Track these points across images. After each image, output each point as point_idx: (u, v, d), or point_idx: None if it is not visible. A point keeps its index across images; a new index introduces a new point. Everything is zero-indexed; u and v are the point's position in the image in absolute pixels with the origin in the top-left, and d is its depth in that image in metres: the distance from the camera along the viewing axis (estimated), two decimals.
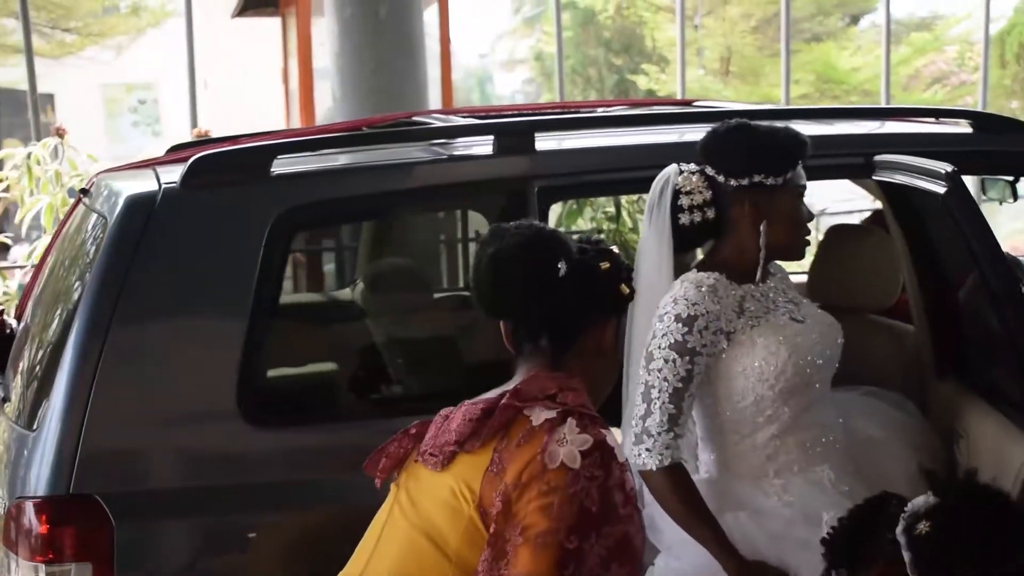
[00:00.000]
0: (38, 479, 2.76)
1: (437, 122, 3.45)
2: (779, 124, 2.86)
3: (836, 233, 3.88)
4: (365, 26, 6.11)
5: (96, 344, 2.78)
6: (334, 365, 3.50)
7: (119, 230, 2.89)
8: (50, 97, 22.41)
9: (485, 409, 2.27)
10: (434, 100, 7.05)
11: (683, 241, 2.84)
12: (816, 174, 3.66)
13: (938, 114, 3.81)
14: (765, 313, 2.80)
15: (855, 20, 27.19)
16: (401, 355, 3.40)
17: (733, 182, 2.77)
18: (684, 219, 2.80)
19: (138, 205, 2.92)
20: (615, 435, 2.26)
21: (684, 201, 2.80)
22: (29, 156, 5.94)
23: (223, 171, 3.00)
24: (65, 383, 2.78)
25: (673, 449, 2.64)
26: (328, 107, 6.69)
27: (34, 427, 2.82)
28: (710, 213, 2.81)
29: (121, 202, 2.93)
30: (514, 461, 2.18)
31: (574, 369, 2.34)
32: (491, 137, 3.14)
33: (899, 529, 2.28)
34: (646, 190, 2.91)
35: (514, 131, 3.17)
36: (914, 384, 3.41)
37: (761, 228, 2.78)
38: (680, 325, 2.66)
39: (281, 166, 3.04)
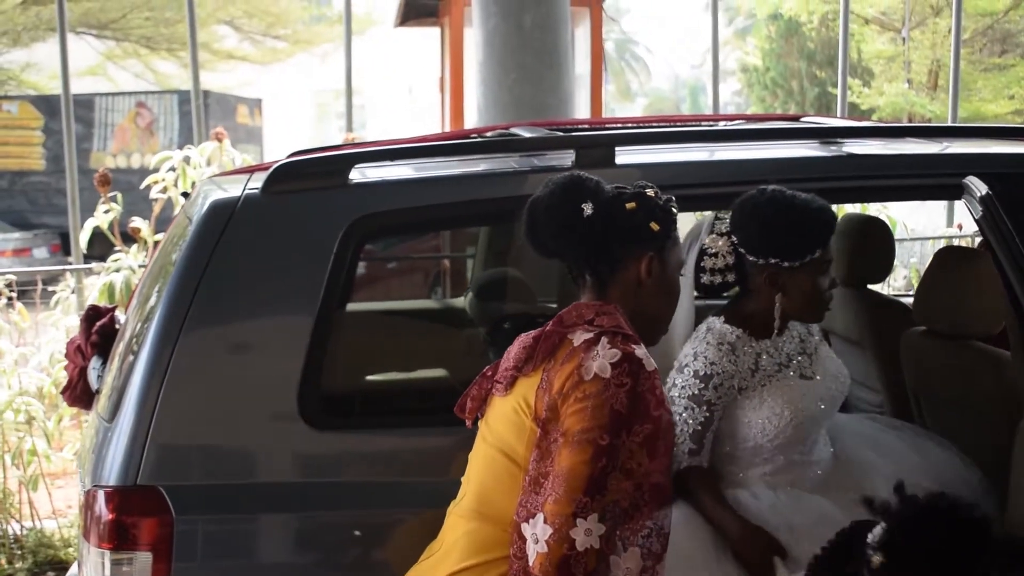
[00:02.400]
0: (111, 469, 2.88)
1: (527, 135, 3.46)
2: (816, 198, 2.95)
3: (944, 256, 3.73)
4: (508, 36, 6.15)
5: (169, 343, 2.89)
6: (396, 373, 3.54)
7: (199, 234, 2.99)
8: (258, 102, 23.19)
9: (536, 337, 2.60)
10: (582, 110, 7.03)
11: (707, 291, 3.11)
12: (910, 194, 3.60)
13: None
14: (777, 372, 3.09)
15: None
16: (465, 364, 3.43)
17: (751, 257, 3.01)
18: (705, 279, 3.08)
19: (219, 210, 3.01)
20: (644, 349, 2.49)
21: (708, 263, 3.07)
22: (187, 160, 6.13)
23: (304, 178, 3.07)
24: (139, 378, 2.90)
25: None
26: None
27: (113, 419, 2.94)
28: (730, 277, 3.08)
29: (205, 207, 3.04)
30: (558, 376, 2.49)
31: (616, 299, 2.61)
32: (572, 151, 3.15)
33: (864, 568, 2.29)
34: (722, 206, 2.95)
35: (595, 144, 3.16)
36: (1015, 415, 3.26)
37: (776, 299, 3.04)
38: (697, 381, 3.01)
39: (359, 175, 3.11)
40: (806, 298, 3.06)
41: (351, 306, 3.91)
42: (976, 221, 2.70)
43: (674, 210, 2.65)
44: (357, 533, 2.93)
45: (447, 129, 8.57)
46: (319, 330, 2.93)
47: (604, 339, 2.49)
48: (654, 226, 2.60)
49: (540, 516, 2.39)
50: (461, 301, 4.71)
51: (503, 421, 2.61)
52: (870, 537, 2.26)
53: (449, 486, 2.80)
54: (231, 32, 24.35)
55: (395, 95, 34.13)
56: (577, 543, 2.35)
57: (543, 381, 2.52)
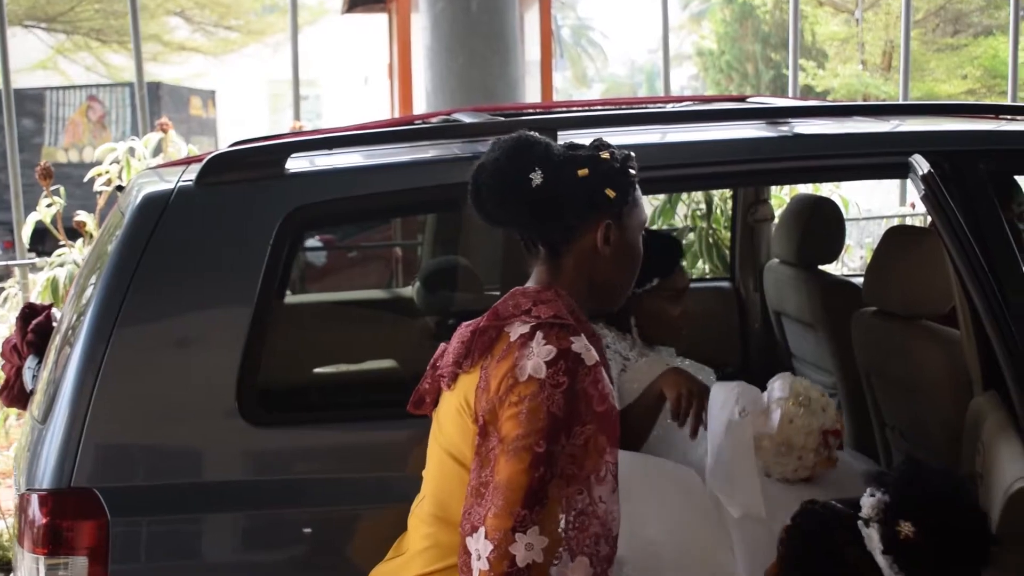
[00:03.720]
0: (44, 471, 2.80)
1: (469, 120, 3.39)
2: (658, 232, 2.89)
3: (894, 235, 3.70)
4: (455, 20, 6.08)
5: (102, 339, 2.80)
6: (341, 366, 3.48)
7: (131, 227, 2.91)
8: (211, 93, 22.99)
9: (473, 331, 2.44)
10: (533, 95, 6.97)
11: None
12: (859, 174, 3.56)
13: (1000, 111, 3.60)
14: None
15: None
16: (405, 355, 3.37)
17: None
18: None
19: (152, 203, 2.93)
20: (583, 341, 2.33)
21: None
22: (131, 152, 6.02)
23: (240, 168, 2.99)
24: (72, 376, 2.81)
25: None
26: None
27: (46, 419, 2.86)
28: None
29: (138, 200, 2.96)
30: (495, 376, 2.34)
31: (572, 269, 2.47)
32: None
33: (874, 539, 2.26)
34: (669, 189, 2.89)
35: (538, 128, 3.08)
36: (965, 395, 3.23)
37: (631, 321, 3.58)
38: None
39: (297, 164, 3.03)
40: (655, 322, 3.53)
41: (293, 298, 3.85)
42: (921, 200, 2.66)
43: (632, 171, 2.48)
44: (307, 531, 2.86)
45: (397, 116, 8.48)
46: (257, 324, 2.85)
47: (539, 334, 2.33)
48: (610, 192, 2.43)
49: (482, 531, 2.27)
50: (409, 291, 4.65)
51: (450, 420, 2.48)
52: (870, 511, 2.24)
53: (399, 482, 2.76)
54: (182, 23, 24.13)
55: (351, 85, 33.92)
56: (518, 559, 2.22)
57: (481, 379, 2.38)
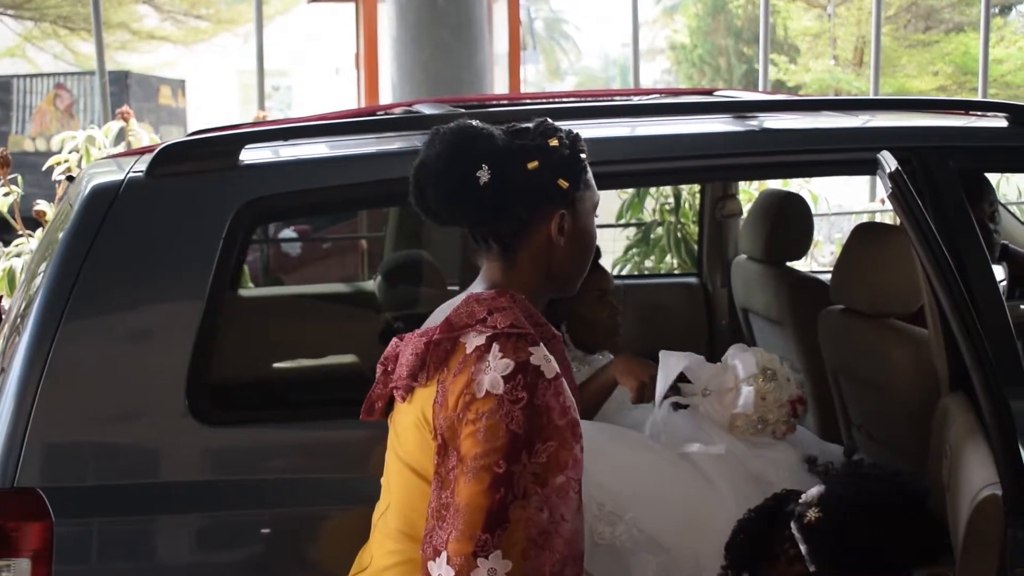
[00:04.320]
0: None
1: (430, 112, 3.32)
2: None
3: (861, 232, 3.65)
4: (421, 10, 6.00)
5: (48, 335, 2.72)
6: (297, 363, 3.41)
7: (79, 219, 2.83)
8: (181, 83, 22.81)
9: (427, 343, 2.28)
10: (500, 83, 6.90)
11: None
12: (826, 170, 3.51)
13: (970, 106, 3.56)
14: None
15: (1004, 11, 26.29)
16: (364, 351, 3.30)
17: None
18: None
19: (100, 194, 2.85)
20: (542, 351, 2.21)
21: None
22: (91, 140, 5.92)
23: (191, 160, 2.91)
24: (16, 374, 2.73)
25: None
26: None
27: None
28: None
29: (86, 191, 2.88)
30: (452, 391, 2.21)
31: (526, 263, 2.33)
32: None
33: (793, 523, 2.29)
34: (633, 183, 2.83)
35: (499, 121, 3.01)
36: (932, 396, 3.18)
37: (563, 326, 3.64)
38: None
39: (251, 156, 2.95)
40: (588, 328, 3.61)
41: (249, 292, 3.77)
42: (888, 198, 2.60)
43: (583, 154, 2.33)
44: (262, 533, 2.79)
45: (360, 107, 8.38)
46: (209, 319, 2.77)
47: (496, 346, 2.19)
48: (562, 183, 2.28)
49: (443, 555, 2.16)
50: (371, 285, 4.57)
51: (409, 435, 2.34)
52: (804, 498, 2.30)
53: (359, 483, 2.69)
54: (152, 12, 23.93)
55: (322, 75, 33.76)
56: None
57: (439, 394, 2.24)
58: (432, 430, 2.25)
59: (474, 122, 2.34)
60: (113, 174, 2.94)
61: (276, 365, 3.38)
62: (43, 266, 2.96)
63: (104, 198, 2.83)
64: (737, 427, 3.18)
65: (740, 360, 3.18)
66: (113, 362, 2.77)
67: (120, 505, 2.73)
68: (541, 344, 2.23)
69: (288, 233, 6.31)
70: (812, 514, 2.41)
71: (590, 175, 2.39)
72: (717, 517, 2.92)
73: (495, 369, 2.17)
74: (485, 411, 2.16)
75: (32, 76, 20.83)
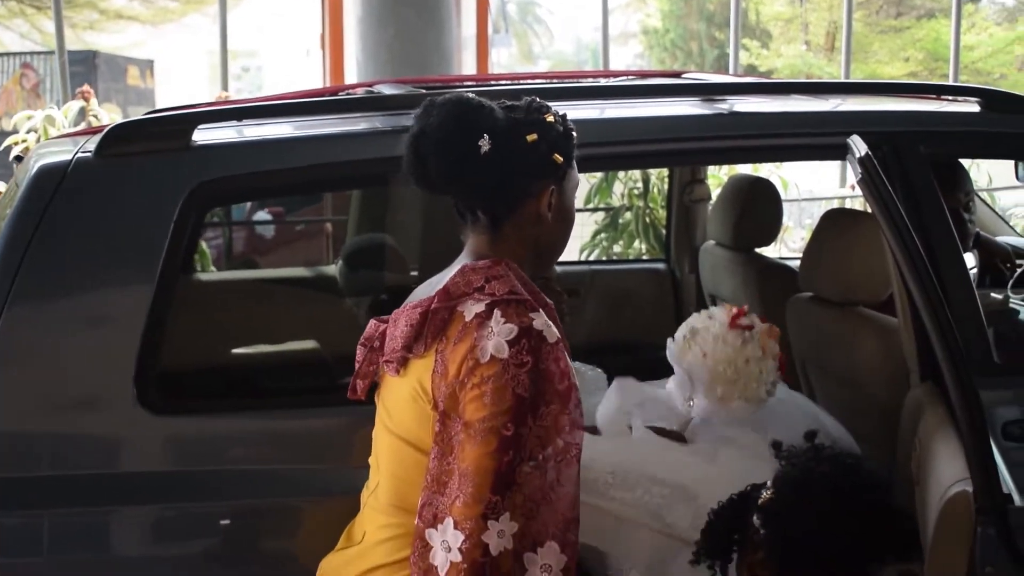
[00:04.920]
0: None
1: (390, 92, 3.23)
2: None
3: (830, 219, 3.59)
4: None
5: None
6: (248, 349, 3.32)
7: (25, 201, 2.74)
8: (150, 63, 22.58)
9: (423, 313, 2.28)
10: (468, 65, 6.80)
11: None
12: (796, 154, 3.44)
13: (943, 91, 3.49)
14: None
15: None
16: (312, 339, 3.22)
17: None
18: None
19: (47, 175, 2.76)
20: (543, 317, 2.24)
21: None
22: (50, 120, 5.80)
23: (142, 140, 2.81)
24: None
25: None
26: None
27: None
28: None
29: (32, 171, 2.78)
30: (453, 359, 2.22)
31: (511, 236, 2.34)
32: None
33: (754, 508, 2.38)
34: (599, 167, 2.76)
35: None
36: (902, 386, 3.12)
37: None
38: None
39: (205, 136, 2.86)
40: None
41: (205, 276, 3.68)
42: (858, 183, 2.54)
43: (573, 133, 2.38)
44: (216, 525, 2.70)
45: (321, 87, 8.25)
46: (159, 305, 2.69)
47: (497, 312, 2.21)
48: (557, 158, 2.32)
49: (449, 521, 2.15)
50: (332, 269, 4.48)
51: (403, 407, 2.34)
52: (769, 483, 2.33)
53: (317, 474, 2.68)
54: None
55: (293, 56, 33.49)
56: (491, 547, 2.11)
57: (438, 364, 2.25)
58: (431, 400, 2.25)
59: (470, 95, 2.34)
60: (62, 154, 2.85)
61: (231, 352, 3.29)
62: None
63: (51, 178, 2.74)
64: (724, 397, 3.16)
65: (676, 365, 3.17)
66: (60, 348, 2.68)
67: (70, 496, 2.65)
68: (540, 310, 2.26)
69: (254, 216, 6.22)
70: (765, 495, 2.42)
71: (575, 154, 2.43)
72: (717, 494, 2.88)
73: (499, 334, 2.19)
74: (491, 375, 2.17)
75: None
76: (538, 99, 2.39)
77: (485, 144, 2.25)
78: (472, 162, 2.26)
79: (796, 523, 2.40)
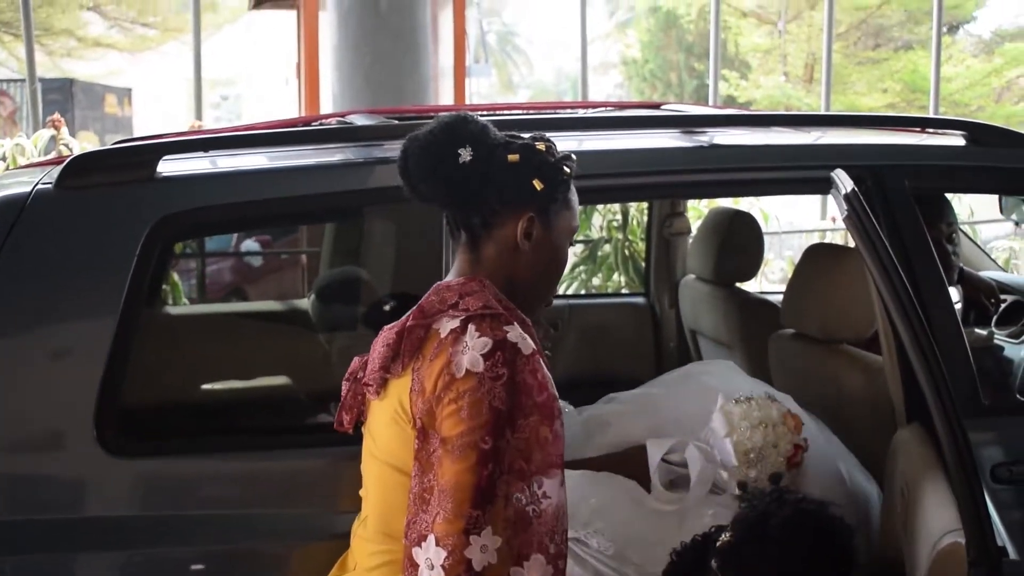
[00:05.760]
0: None
1: (363, 123, 3.15)
2: None
3: (813, 254, 3.52)
4: (364, 19, 5.84)
5: None
6: (215, 387, 3.22)
7: None
8: (128, 91, 22.52)
9: (399, 332, 2.30)
10: (446, 94, 6.75)
11: None
12: (778, 188, 3.37)
13: (927, 124, 3.43)
14: None
15: (952, 29, 26.45)
16: (283, 376, 3.12)
17: None
18: None
19: (4, 207, 2.67)
20: (518, 330, 2.23)
21: None
22: (20, 149, 5.71)
23: (105, 171, 2.73)
24: None
25: None
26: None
27: None
28: None
29: None
30: (429, 376, 2.22)
31: (490, 260, 2.35)
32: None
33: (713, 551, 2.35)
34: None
35: None
36: (887, 426, 3.04)
37: None
38: None
39: (170, 168, 2.78)
40: None
41: (174, 311, 3.57)
42: (843, 220, 2.46)
43: (567, 169, 2.36)
44: (197, 567, 2.61)
45: (293, 117, 8.19)
46: (121, 341, 2.59)
47: (471, 327, 2.21)
48: (537, 184, 2.30)
49: (431, 538, 2.13)
50: (305, 303, 4.39)
51: (385, 431, 2.33)
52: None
53: (285, 519, 2.59)
54: (98, 19, 23.62)
55: (272, 85, 33.47)
56: (474, 563, 2.10)
57: (415, 382, 2.24)
58: (410, 419, 2.24)
59: (471, 114, 2.36)
60: (22, 185, 2.76)
61: (198, 390, 3.18)
62: None
63: (10, 211, 2.66)
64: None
65: (721, 448, 3.01)
66: (18, 385, 2.59)
67: (26, 543, 2.54)
68: (515, 323, 2.25)
69: (241, 245, 6.12)
70: (724, 537, 2.40)
71: (573, 197, 2.41)
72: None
73: (473, 348, 2.18)
74: (466, 390, 2.16)
75: None
76: (543, 134, 2.40)
77: (466, 154, 2.27)
78: (448, 165, 2.27)
79: (751, 567, 2.37)
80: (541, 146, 2.34)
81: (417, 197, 2.35)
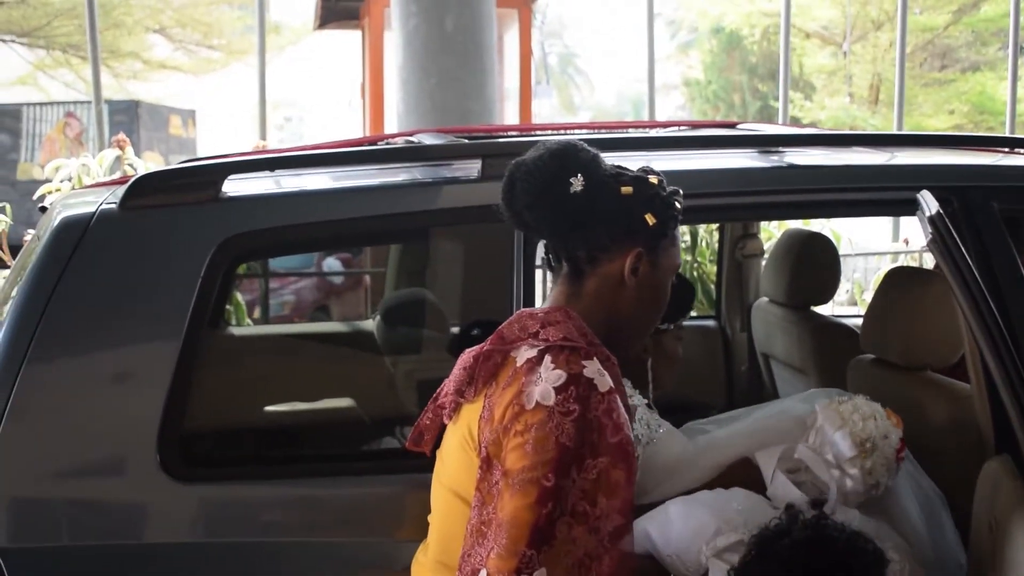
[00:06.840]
0: None
1: (431, 142, 3.08)
2: None
3: (894, 277, 3.40)
4: (430, 39, 5.79)
5: (8, 379, 2.51)
6: (279, 411, 3.16)
7: (46, 254, 2.61)
8: (192, 113, 22.73)
9: (476, 356, 2.25)
10: (511, 116, 6.69)
11: None
12: (858, 210, 3.26)
13: (1015, 144, 3.31)
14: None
15: (1022, 50, 26.07)
16: (347, 399, 3.06)
17: None
18: None
19: (69, 227, 2.63)
20: (596, 365, 2.13)
21: None
22: (85, 168, 5.71)
23: (169, 191, 2.68)
24: None
25: None
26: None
27: None
28: None
29: (54, 223, 2.65)
30: (499, 404, 2.15)
31: (591, 295, 2.26)
32: (479, 160, 2.77)
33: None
34: None
35: (504, 153, 2.77)
36: (973, 457, 2.92)
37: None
38: None
39: (235, 188, 2.72)
40: (666, 366, 3.22)
41: (239, 332, 3.52)
42: (928, 244, 2.36)
43: (678, 205, 2.30)
44: None
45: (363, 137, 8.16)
46: (185, 364, 2.54)
47: (547, 358, 2.12)
48: (649, 219, 2.23)
49: (483, 574, 2.06)
50: (370, 324, 4.33)
51: (453, 456, 2.27)
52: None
53: (351, 547, 2.54)
54: (163, 41, 23.87)
55: (335, 106, 33.69)
56: None
57: (485, 408, 2.17)
58: (476, 446, 2.18)
59: (581, 142, 2.28)
60: (86, 205, 2.72)
61: (262, 414, 3.12)
62: (8, 303, 2.73)
63: (74, 231, 2.62)
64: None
65: (835, 443, 2.87)
66: (80, 409, 2.54)
67: (87, 569, 2.51)
68: (595, 359, 2.15)
69: (323, 264, 6.07)
70: (746, 554, 2.31)
71: (679, 235, 2.36)
72: None
73: (547, 380, 2.10)
74: (535, 423, 2.08)
75: (42, 104, 20.79)
76: (652, 166, 2.33)
77: (577, 183, 2.19)
78: (557, 193, 2.19)
79: None
80: (654, 179, 2.28)
81: (519, 224, 2.29)
